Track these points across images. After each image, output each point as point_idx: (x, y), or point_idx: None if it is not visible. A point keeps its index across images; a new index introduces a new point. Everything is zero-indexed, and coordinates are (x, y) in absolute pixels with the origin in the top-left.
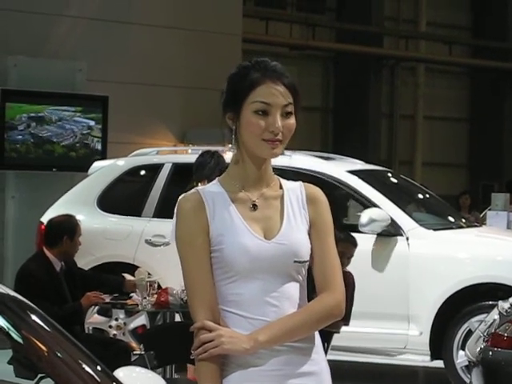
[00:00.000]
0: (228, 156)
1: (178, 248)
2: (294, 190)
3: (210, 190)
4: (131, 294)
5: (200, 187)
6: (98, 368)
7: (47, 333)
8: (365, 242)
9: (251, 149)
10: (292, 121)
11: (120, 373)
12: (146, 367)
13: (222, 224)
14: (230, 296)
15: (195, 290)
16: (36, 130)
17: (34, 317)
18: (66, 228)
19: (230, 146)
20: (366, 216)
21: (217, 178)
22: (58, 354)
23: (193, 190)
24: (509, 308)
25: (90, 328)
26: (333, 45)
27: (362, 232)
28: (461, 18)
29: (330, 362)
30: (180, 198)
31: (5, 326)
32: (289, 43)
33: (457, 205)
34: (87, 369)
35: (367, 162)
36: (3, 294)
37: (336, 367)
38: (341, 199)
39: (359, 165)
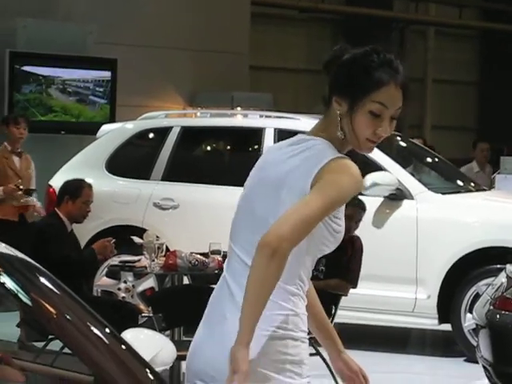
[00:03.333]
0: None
1: (329, 191)
2: None
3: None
4: (140, 257)
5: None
6: (107, 330)
7: (56, 295)
8: (373, 206)
9: (350, 140)
10: (394, 125)
11: (127, 334)
12: (154, 329)
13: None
14: (308, 269)
15: (305, 232)
16: (45, 94)
17: (42, 279)
18: (68, 189)
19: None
20: (369, 180)
21: (333, 150)
22: (67, 316)
23: (346, 158)
24: None
25: (99, 290)
26: (342, 7)
27: (369, 195)
28: None
29: (337, 324)
30: (348, 161)
31: (13, 287)
32: (298, 6)
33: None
34: (95, 331)
35: None
36: (11, 255)
37: (343, 330)
38: None
39: None
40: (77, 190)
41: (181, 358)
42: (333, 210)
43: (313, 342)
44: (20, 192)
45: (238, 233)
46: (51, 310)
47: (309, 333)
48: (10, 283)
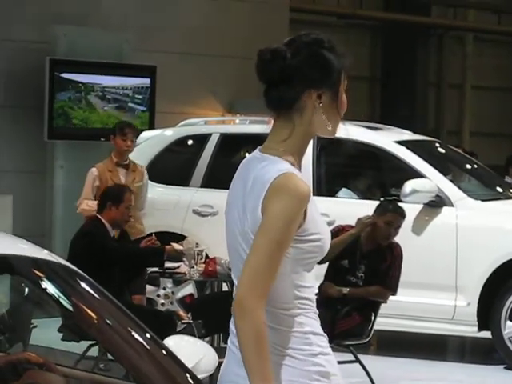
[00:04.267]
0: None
1: (273, 224)
2: None
3: (296, 171)
4: (179, 264)
5: (288, 167)
6: (147, 335)
7: (97, 300)
8: (413, 213)
9: (331, 128)
10: None
11: (170, 341)
12: (194, 336)
13: (313, 213)
14: (309, 282)
15: (268, 278)
16: (84, 101)
17: (84, 285)
18: (111, 195)
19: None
20: (408, 186)
21: (278, 156)
22: (108, 322)
23: (290, 170)
24: None
25: None
26: (380, 14)
27: (409, 202)
28: None
29: (376, 331)
30: (288, 175)
31: (55, 293)
32: (336, 12)
33: (505, 172)
34: (136, 336)
35: (415, 131)
36: (54, 262)
37: (382, 337)
38: (389, 170)
39: (407, 135)
40: (119, 195)
41: (221, 364)
42: (285, 241)
43: (351, 348)
44: None
45: (231, 258)
46: (92, 315)
47: (331, 341)
48: (52, 289)
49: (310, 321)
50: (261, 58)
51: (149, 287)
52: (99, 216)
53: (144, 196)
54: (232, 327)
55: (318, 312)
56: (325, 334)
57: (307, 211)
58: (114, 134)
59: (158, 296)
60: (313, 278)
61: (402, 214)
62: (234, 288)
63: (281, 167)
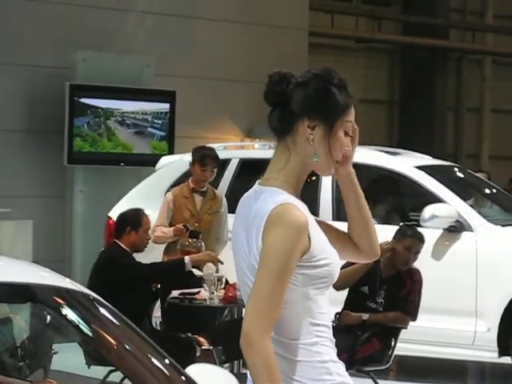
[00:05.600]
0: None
1: (271, 258)
2: None
3: (293, 200)
4: (199, 289)
5: (286, 197)
6: (167, 361)
7: (117, 327)
8: (433, 238)
9: (325, 165)
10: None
11: (192, 369)
12: (214, 362)
13: (318, 238)
14: (323, 309)
15: (272, 310)
16: (104, 125)
17: (104, 312)
18: (130, 220)
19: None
20: (428, 212)
21: (276, 186)
22: (127, 348)
23: (287, 200)
24: None
25: (158, 322)
26: (398, 37)
27: (428, 227)
28: None
29: (396, 357)
30: (285, 205)
31: (76, 320)
32: (355, 36)
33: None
34: (156, 362)
35: (433, 155)
36: (76, 290)
37: (402, 362)
38: (408, 194)
39: (426, 160)
40: (137, 219)
41: None
42: (286, 272)
43: (371, 374)
44: (186, 234)
45: (241, 292)
46: (112, 341)
47: (351, 367)
48: (73, 316)
49: (327, 350)
50: (270, 79)
51: None
52: (117, 241)
53: (223, 226)
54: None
55: (334, 340)
56: (342, 362)
57: (311, 238)
58: (193, 160)
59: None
60: (327, 304)
61: (421, 239)
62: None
63: (278, 198)
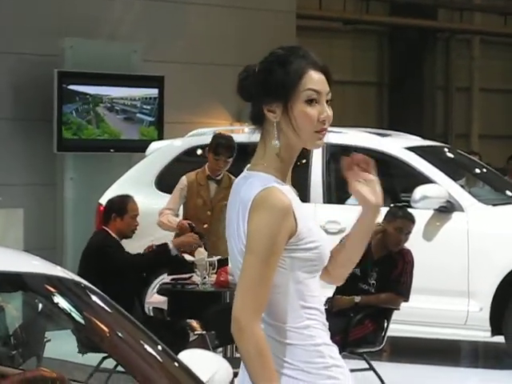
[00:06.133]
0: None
1: (256, 241)
2: None
3: (277, 184)
4: (191, 274)
5: (270, 181)
6: (159, 348)
7: (109, 314)
8: (424, 219)
9: (302, 141)
10: (331, 110)
11: (184, 355)
12: (208, 347)
13: (306, 221)
14: (315, 292)
15: (260, 294)
16: (93, 112)
17: (96, 299)
18: (115, 206)
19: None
20: (418, 193)
21: (262, 171)
22: (120, 335)
23: (271, 184)
24: None
25: (150, 308)
26: (387, 18)
27: (419, 208)
28: None
29: (390, 338)
30: (268, 189)
31: (68, 308)
32: (342, 18)
33: (505, 170)
34: (148, 349)
35: (423, 135)
36: (68, 278)
37: (396, 344)
38: (399, 176)
39: (416, 141)
40: (122, 205)
41: (235, 375)
42: (271, 255)
43: (365, 356)
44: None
45: (235, 275)
46: (104, 328)
47: (344, 349)
48: (64, 304)
49: (319, 332)
50: (238, 76)
51: (160, 297)
52: (106, 228)
53: None
54: None
55: (327, 324)
56: (335, 345)
57: (297, 220)
58: (208, 147)
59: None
60: (318, 287)
61: (411, 220)
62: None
63: (264, 182)
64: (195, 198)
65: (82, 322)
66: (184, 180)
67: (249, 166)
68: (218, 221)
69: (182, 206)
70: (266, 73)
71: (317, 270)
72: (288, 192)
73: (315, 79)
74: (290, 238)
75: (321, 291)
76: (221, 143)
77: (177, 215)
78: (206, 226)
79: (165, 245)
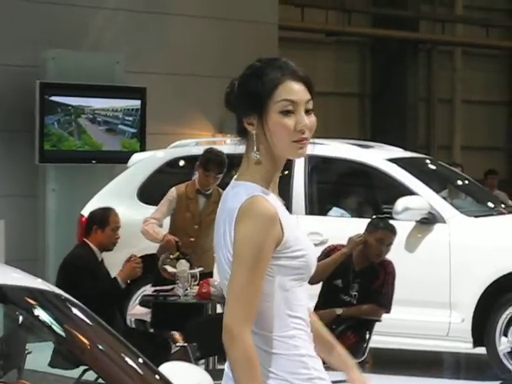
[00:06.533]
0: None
1: (243, 249)
2: None
3: (263, 193)
4: (173, 286)
5: (256, 190)
6: (140, 360)
7: (89, 327)
8: (406, 230)
9: (280, 151)
10: (314, 118)
11: (165, 367)
12: (189, 359)
13: (293, 230)
14: (301, 301)
15: (250, 303)
16: (74, 123)
17: (76, 311)
18: (97, 219)
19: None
20: (400, 204)
21: (248, 180)
22: (100, 347)
23: (257, 193)
24: None
25: (132, 319)
26: (369, 30)
27: (401, 220)
28: (497, 1)
29: (372, 349)
30: (254, 198)
31: (49, 321)
32: (325, 29)
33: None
34: (129, 361)
35: (405, 147)
36: (48, 291)
37: (378, 355)
38: (380, 187)
39: (398, 152)
40: (104, 218)
41: None
42: (259, 263)
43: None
44: (175, 254)
45: (223, 286)
46: (85, 341)
47: (324, 363)
48: (45, 317)
49: (304, 343)
50: (227, 88)
51: (143, 309)
52: (86, 241)
53: None
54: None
55: (311, 335)
56: (319, 358)
57: (284, 228)
58: (199, 162)
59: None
60: (306, 297)
61: (392, 231)
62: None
63: (249, 191)
64: (184, 212)
65: (63, 334)
66: (174, 192)
67: (236, 176)
68: (204, 235)
69: (168, 218)
70: (243, 86)
71: (303, 278)
72: (274, 201)
73: (291, 89)
74: (276, 246)
75: (308, 301)
76: (211, 159)
77: (161, 225)
78: (192, 239)
79: (114, 280)
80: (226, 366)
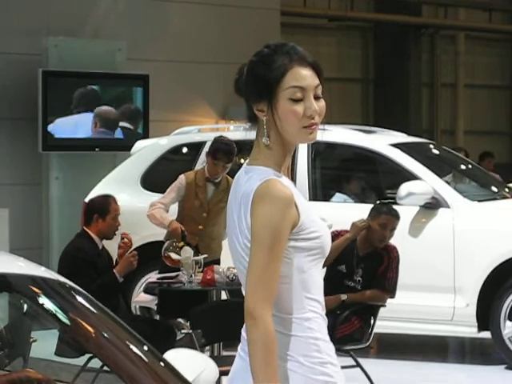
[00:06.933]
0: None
1: (261, 232)
2: None
3: (276, 176)
4: (177, 273)
5: (270, 173)
6: (145, 348)
7: (94, 315)
8: (409, 215)
9: (291, 137)
10: (323, 103)
11: (169, 355)
12: (194, 346)
13: (308, 212)
14: (317, 282)
15: (270, 284)
16: (78, 110)
17: (80, 299)
18: (97, 207)
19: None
20: (404, 189)
21: (261, 164)
22: (105, 335)
23: (272, 176)
24: None
25: (137, 307)
26: (371, 15)
27: (405, 205)
28: None
29: (376, 335)
30: (269, 181)
31: (53, 309)
32: (327, 14)
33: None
34: (134, 349)
35: (409, 131)
36: (51, 279)
37: (382, 340)
38: (384, 172)
39: (401, 137)
40: (104, 206)
41: (222, 373)
42: (277, 245)
43: (352, 353)
44: (180, 243)
45: (238, 271)
46: (90, 329)
47: (339, 350)
48: (49, 305)
49: (320, 327)
50: (236, 74)
51: (147, 296)
52: (86, 229)
53: None
54: (244, 334)
55: (326, 319)
56: (332, 344)
57: (299, 210)
58: (208, 150)
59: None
60: (321, 279)
61: (396, 216)
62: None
63: (263, 176)
64: (192, 199)
65: (68, 322)
66: (183, 179)
67: (248, 160)
68: (212, 223)
69: (174, 204)
70: (251, 73)
71: (319, 259)
72: (288, 184)
73: (300, 75)
74: (293, 228)
75: (322, 283)
76: (220, 148)
77: (167, 211)
78: (200, 227)
79: (112, 275)
80: (239, 349)
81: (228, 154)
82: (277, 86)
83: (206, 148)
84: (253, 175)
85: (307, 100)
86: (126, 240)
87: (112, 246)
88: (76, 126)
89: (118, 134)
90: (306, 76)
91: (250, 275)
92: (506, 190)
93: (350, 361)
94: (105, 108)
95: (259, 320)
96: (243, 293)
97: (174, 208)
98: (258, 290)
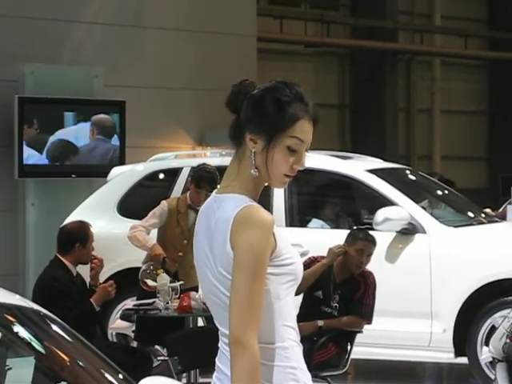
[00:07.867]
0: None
1: (245, 257)
2: None
3: (255, 203)
4: (153, 300)
5: (247, 200)
6: (120, 376)
7: (69, 343)
8: (386, 241)
9: (270, 179)
10: (305, 158)
11: (145, 383)
12: (171, 373)
13: (283, 238)
14: (292, 310)
15: (256, 311)
16: (54, 137)
17: (55, 328)
18: (78, 235)
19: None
20: (380, 215)
21: (235, 192)
22: (80, 363)
23: (250, 203)
24: None
25: (114, 333)
26: (348, 41)
27: (382, 230)
28: (476, 11)
29: (353, 361)
30: (250, 206)
31: (28, 337)
32: (304, 41)
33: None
34: (109, 377)
35: (385, 157)
36: (26, 307)
37: (360, 366)
38: (360, 198)
39: (378, 163)
40: (83, 233)
41: None
42: (261, 271)
43: (329, 379)
44: (159, 270)
45: (208, 302)
46: (64, 357)
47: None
48: (24, 333)
49: (296, 356)
50: (233, 86)
51: (124, 323)
52: (60, 257)
53: None
54: (218, 363)
55: (301, 346)
56: (309, 373)
57: (276, 236)
58: (191, 178)
59: (133, 332)
60: (294, 307)
61: (372, 242)
62: (226, 328)
63: (240, 202)
64: (174, 226)
65: (42, 350)
66: (165, 205)
67: (217, 189)
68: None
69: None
70: (262, 103)
71: (293, 286)
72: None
73: (305, 129)
74: (271, 254)
75: (295, 310)
76: (203, 177)
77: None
78: (180, 254)
79: (89, 304)
80: (214, 377)
81: (211, 182)
82: (283, 131)
83: (183, 174)
84: (228, 203)
85: (300, 153)
86: (95, 260)
87: (84, 270)
88: (76, 137)
89: (96, 158)
90: (308, 131)
91: (235, 302)
92: (482, 215)
93: None
94: (101, 116)
95: (247, 348)
96: (216, 324)
97: (153, 233)
98: (246, 316)
